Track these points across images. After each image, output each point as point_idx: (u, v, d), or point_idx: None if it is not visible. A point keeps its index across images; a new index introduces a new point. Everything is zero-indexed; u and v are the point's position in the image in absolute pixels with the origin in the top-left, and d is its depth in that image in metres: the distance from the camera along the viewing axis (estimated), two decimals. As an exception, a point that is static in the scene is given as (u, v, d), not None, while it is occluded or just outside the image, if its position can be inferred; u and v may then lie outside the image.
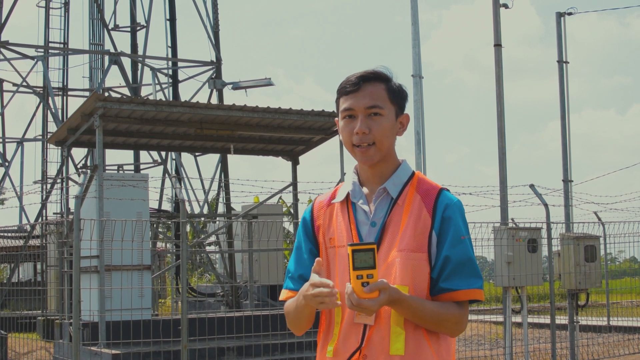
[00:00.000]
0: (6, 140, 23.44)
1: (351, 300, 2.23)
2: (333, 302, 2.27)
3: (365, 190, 2.54)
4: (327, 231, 2.54)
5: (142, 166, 22.01)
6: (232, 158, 22.33)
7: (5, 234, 18.50)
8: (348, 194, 2.54)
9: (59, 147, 17.45)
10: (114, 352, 9.65)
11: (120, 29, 23.34)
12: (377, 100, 2.47)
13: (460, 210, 2.47)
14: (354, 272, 2.21)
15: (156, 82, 21.30)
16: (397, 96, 2.53)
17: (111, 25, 23.12)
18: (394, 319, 2.36)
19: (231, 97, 35.44)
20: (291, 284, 2.58)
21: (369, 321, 2.37)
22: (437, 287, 2.42)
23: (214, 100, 20.88)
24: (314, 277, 2.32)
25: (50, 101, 20.41)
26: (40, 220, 20.31)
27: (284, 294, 2.61)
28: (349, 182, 2.57)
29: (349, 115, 2.49)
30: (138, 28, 22.75)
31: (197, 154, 20.13)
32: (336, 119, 2.59)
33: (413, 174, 2.54)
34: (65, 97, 23.21)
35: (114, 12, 23.46)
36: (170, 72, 22.08)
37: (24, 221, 22.38)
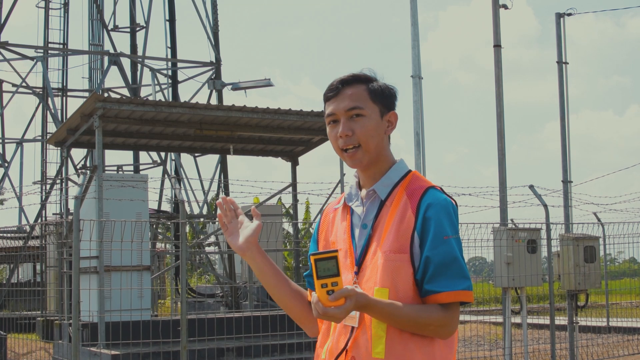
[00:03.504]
0: (6, 140, 23.44)
1: (317, 310, 2.22)
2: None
3: (362, 192, 2.55)
4: (330, 235, 2.58)
5: (141, 167, 22.01)
6: (231, 159, 22.31)
7: (5, 235, 18.49)
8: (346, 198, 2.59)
9: (59, 148, 17.46)
10: (113, 352, 9.65)
11: (120, 30, 23.33)
12: (357, 101, 2.46)
13: (445, 208, 2.40)
14: (318, 281, 2.21)
15: (156, 82, 21.30)
16: (380, 95, 2.50)
17: (111, 26, 23.12)
18: (375, 322, 2.34)
19: (230, 98, 35.44)
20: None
21: (352, 323, 2.37)
22: (423, 289, 2.37)
23: (214, 101, 20.89)
24: None
25: (49, 102, 20.41)
26: (39, 220, 20.31)
27: None
28: (350, 185, 2.60)
29: (332, 120, 2.50)
30: (137, 29, 22.75)
31: (196, 154, 20.13)
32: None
33: (407, 173, 2.52)
34: (64, 98, 23.22)
35: (114, 13, 23.47)
36: (169, 72, 22.08)
37: (24, 222, 22.39)
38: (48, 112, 21.69)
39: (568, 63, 12.14)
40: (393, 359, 2.32)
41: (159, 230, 21.29)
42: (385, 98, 2.52)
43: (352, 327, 2.38)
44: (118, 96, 21.86)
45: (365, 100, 2.47)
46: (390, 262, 2.37)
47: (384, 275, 2.36)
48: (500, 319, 12.53)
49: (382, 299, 2.32)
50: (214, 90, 21.05)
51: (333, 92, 2.49)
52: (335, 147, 2.51)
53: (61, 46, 22.89)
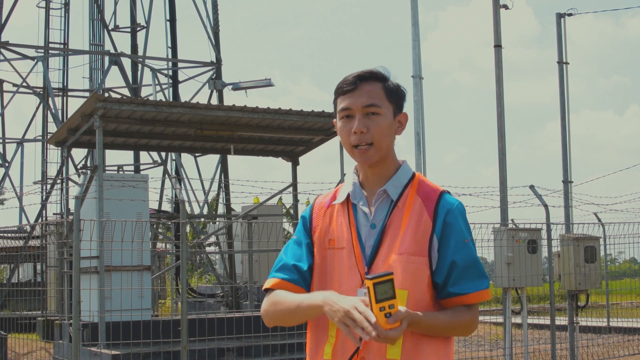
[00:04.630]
0: (6, 140, 23.44)
1: (377, 334, 2.19)
2: (355, 337, 2.22)
3: (365, 191, 2.52)
4: (327, 232, 2.52)
5: (142, 167, 22.02)
6: (232, 159, 22.35)
7: (5, 235, 18.49)
8: (348, 195, 2.53)
9: (59, 148, 17.46)
10: (113, 352, 9.65)
11: (121, 30, 23.34)
12: (375, 99, 2.45)
13: (461, 213, 2.46)
14: (377, 304, 2.20)
15: (156, 82, 21.31)
16: (395, 95, 2.51)
17: (111, 26, 23.13)
18: None
19: (231, 98, 35.46)
20: (282, 273, 2.51)
21: None
22: (446, 292, 2.41)
23: (214, 101, 20.89)
24: (361, 305, 2.22)
25: (50, 102, 20.41)
26: (40, 220, 20.31)
27: (272, 282, 2.51)
28: (349, 183, 2.55)
29: (346, 115, 2.47)
30: (138, 29, 22.76)
31: (197, 154, 20.13)
32: (334, 120, 2.57)
33: (413, 175, 2.53)
34: (65, 98, 23.23)
35: (114, 13, 23.48)
36: (170, 72, 22.08)
37: (24, 222, 22.38)
38: (48, 112, 21.70)
39: (569, 63, 12.14)
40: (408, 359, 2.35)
41: (160, 230, 21.29)
42: (399, 98, 2.53)
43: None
44: (118, 96, 21.87)
45: (381, 99, 2.47)
46: (410, 265, 2.38)
47: (405, 278, 2.37)
48: (500, 319, 12.53)
49: (420, 312, 2.33)
50: (214, 90, 21.05)
51: (350, 87, 2.46)
52: (345, 142, 2.49)
53: (62, 46, 22.90)
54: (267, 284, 2.53)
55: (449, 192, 2.50)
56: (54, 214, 21.22)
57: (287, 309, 2.42)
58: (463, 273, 2.40)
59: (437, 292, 2.42)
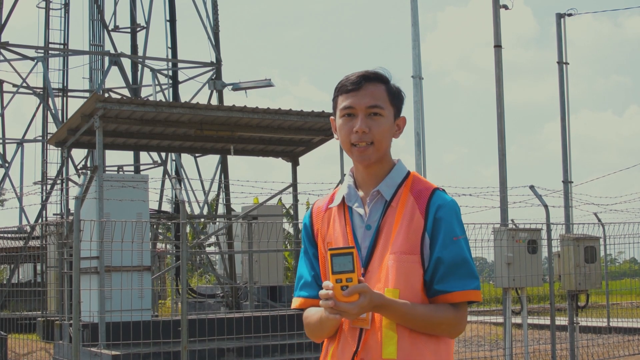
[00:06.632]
0: (6, 141, 23.44)
1: (332, 304, 2.21)
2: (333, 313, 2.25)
3: (361, 193, 2.52)
4: (326, 236, 2.53)
5: (142, 167, 22.01)
6: (232, 159, 22.34)
7: (5, 235, 18.48)
8: (344, 198, 2.53)
9: (59, 148, 17.46)
10: (113, 353, 9.65)
11: (120, 30, 23.34)
12: (378, 100, 2.46)
13: (454, 210, 2.44)
14: (333, 275, 2.21)
15: (156, 83, 21.30)
16: (396, 98, 2.52)
17: (111, 26, 23.12)
18: (385, 322, 2.34)
19: (231, 98, 35.44)
20: (305, 291, 2.55)
21: (365, 325, 2.35)
22: (432, 289, 2.39)
23: (214, 101, 20.89)
24: (326, 282, 2.28)
25: (50, 102, 20.41)
26: (40, 221, 20.31)
27: (297, 302, 2.57)
28: (346, 185, 2.56)
29: (348, 113, 2.47)
30: (138, 29, 22.75)
31: (197, 155, 20.13)
32: (331, 117, 2.57)
33: (408, 174, 2.52)
34: (65, 98, 23.24)
35: (114, 13, 23.48)
36: (170, 73, 22.08)
37: (24, 222, 22.37)
38: (48, 112, 21.70)
39: (568, 63, 12.14)
40: (405, 359, 2.33)
41: (160, 231, 21.30)
42: (399, 102, 2.54)
43: (361, 329, 2.37)
44: (118, 96, 21.85)
45: (384, 101, 2.47)
46: (402, 264, 2.37)
47: (397, 277, 2.36)
48: (500, 319, 12.53)
49: (397, 299, 2.32)
50: (214, 91, 21.05)
51: (353, 86, 2.46)
52: (344, 140, 2.48)
53: (62, 46, 22.91)
54: (294, 303, 2.59)
55: (443, 190, 2.49)
56: (54, 214, 21.24)
57: (316, 325, 2.47)
58: (450, 271, 2.37)
59: (426, 290, 2.40)
